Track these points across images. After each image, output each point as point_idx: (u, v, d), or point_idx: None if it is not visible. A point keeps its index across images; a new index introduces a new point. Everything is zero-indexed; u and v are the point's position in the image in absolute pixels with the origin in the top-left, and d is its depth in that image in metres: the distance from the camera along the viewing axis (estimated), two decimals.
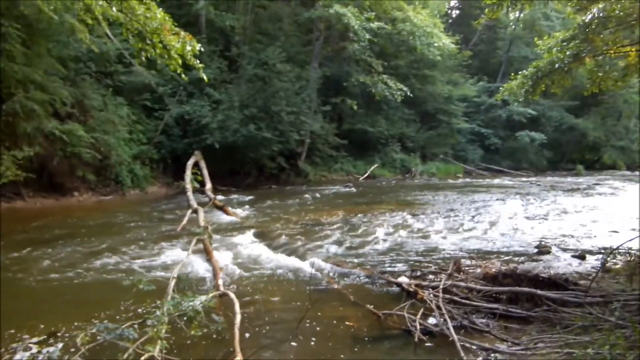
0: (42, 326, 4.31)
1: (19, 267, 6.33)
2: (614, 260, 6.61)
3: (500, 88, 11.79)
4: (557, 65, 9.37)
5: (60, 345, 3.95)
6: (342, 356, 3.92)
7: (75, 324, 4.37)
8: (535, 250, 7.54)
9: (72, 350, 3.63)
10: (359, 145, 23.53)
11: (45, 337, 4.12)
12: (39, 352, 3.83)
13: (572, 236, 8.73)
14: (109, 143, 13.08)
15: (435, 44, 23.51)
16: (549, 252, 7.40)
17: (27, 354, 3.79)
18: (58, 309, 4.84)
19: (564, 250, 7.62)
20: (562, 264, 6.75)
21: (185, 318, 3.73)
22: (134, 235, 8.30)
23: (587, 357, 3.44)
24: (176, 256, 6.73)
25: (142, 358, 3.19)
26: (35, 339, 4.06)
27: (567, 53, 9.15)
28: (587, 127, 31.23)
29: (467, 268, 5.76)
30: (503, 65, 33.09)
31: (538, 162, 30.74)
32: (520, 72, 10.52)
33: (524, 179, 23.86)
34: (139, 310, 4.56)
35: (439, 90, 26.82)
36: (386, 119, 24.99)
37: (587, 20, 9.29)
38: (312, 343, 4.12)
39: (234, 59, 18.94)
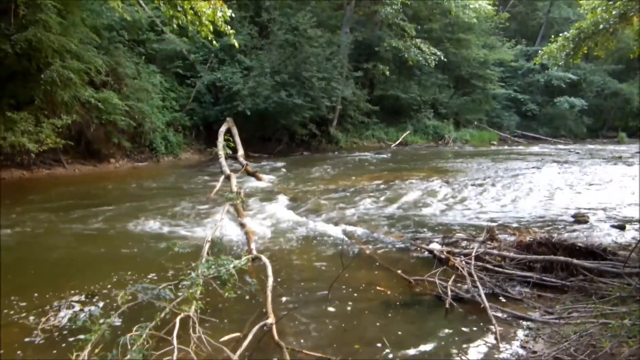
0: (84, 286, 4.49)
1: (60, 230, 6.57)
2: None
3: (539, 51, 11.37)
4: (601, 26, 8.92)
5: (100, 304, 4.12)
6: (373, 320, 3.96)
7: (115, 284, 4.54)
8: (573, 220, 7.37)
9: (112, 309, 3.77)
10: (391, 111, 23.20)
11: (86, 296, 4.29)
12: (81, 310, 4.00)
13: (612, 206, 8.48)
14: (142, 110, 13.26)
15: (471, 6, 22.73)
16: (586, 222, 7.23)
17: (70, 311, 3.96)
18: (98, 271, 5.01)
19: (603, 219, 7.42)
20: (601, 233, 6.59)
21: (219, 280, 3.81)
22: (169, 200, 8.47)
23: (624, 328, 3.37)
24: (210, 221, 6.86)
25: (178, 317, 3.29)
26: (77, 298, 4.24)
27: (613, 12, 8.69)
28: (632, 93, 29.88)
29: (500, 236, 5.68)
30: (543, 28, 31.83)
31: (577, 129, 29.75)
32: (561, 34, 10.07)
33: (561, 146, 23.23)
34: (175, 272, 4.69)
35: (474, 55, 25.94)
36: (419, 84, 24.49)
37: None
38: (344, 307, 4.17)
39: (265, 24, 18.77)
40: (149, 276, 4.74)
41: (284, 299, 4.31)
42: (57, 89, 10.67)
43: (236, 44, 10.16)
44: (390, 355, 3.38)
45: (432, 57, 21.18)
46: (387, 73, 21.29)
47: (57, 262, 5.47)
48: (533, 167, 13.82)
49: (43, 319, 3.78)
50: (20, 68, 10.58)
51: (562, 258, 4.79)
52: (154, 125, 13.83)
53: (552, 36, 10.79)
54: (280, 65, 16.96)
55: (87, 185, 10.16)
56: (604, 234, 6.54)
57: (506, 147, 23.18)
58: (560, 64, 10.94)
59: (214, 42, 9.74)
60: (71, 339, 3.47)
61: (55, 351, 3.38)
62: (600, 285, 4.43)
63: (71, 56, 11.06)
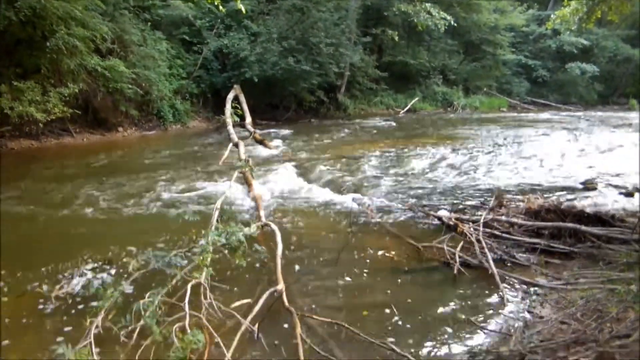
0: (96, 254, 4.56)
1: (70, 200, 6.63)
2: None
3: (552, 16, 11.09)
4: None
5: (113, 271, 4.19)
6: (381, 286, 4.01)
7: (126, 252, 4.60)
8: (581, 187, 7.34)
9: (124, 277, 3.84)
10: (400, 77, 22.92)
11: (98, 264, 4.36)
12: (94, 277, 4.07)
13: (621, 173, 8.41)
14: (149, 78, 13.16)
15: None
16: (595, 189, 7.19)
17: (83, 279, 4.03)
18: (109, 239, 5.08)
19: (612, 187, 7.37)
20: (609, 200, 6.55)
21: (229, 248, 3.85)
22: (178, 169, 8.51)
23: (630, 293, 3.39)
24: (218, 189, 6.89)
25: (190, 284, 3.35)
26: (89, 266, 4.30)
27: None
28: None
29: (509, 202, 5.68)
30: None
31: (588, 96, 29.27)
32: None
33: (572, 113, 22.94)
34: (186, 239, 4.74)
35: (484, 19, 25.29)
36: (428, 50, 24.12)
37: None
38: (352, 273, 4.21)
39: None
40: (160, 244, 4.80)
41: (293, 265, 4.37)
42: (63, 57, 10.58)
43: (243, 9, 9.99)
44: (399, 321, 3.43)
45: (442, 22, 20.70)
46: (396, 39, 20.91)
47: (69, 231, 5.53)
48: (542, 134, 13.70)
49: (57, 287, 3.85)
50: (25, 36, 10.47)
51: (570, 225, 4.79)
52: (161, 93, 13.75)
53: (565, 0, 10.51)
54: (288, 30, 16.69)
55: (96, 154, 10.19)
56: (612, 201, 6.51)
57: (516, 113, 22.91)
58: (572, 28, 10.69)
59: (220, 7, 9.57)
60: (84, 306, 3.55)
61: (69, 318, 3.45)
62: (607, 251, 4.44)
63: (76, 23, 10.91)
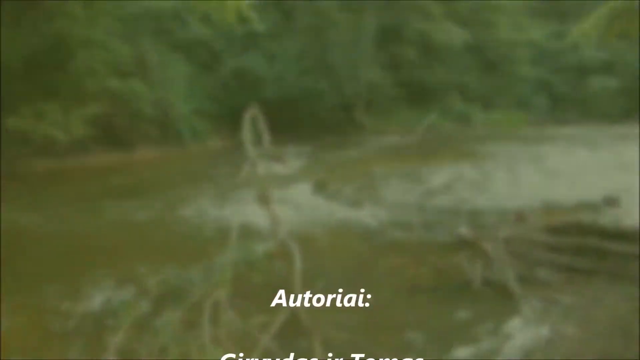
0: (116, 272, 4.60)
1: (89, 218, 6.72)
2: None
3: (572, 30, 11.00)
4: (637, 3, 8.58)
5: (132, 288, 4.22)
6: (401, 303, 3.97)
7: (146, 269, 4.63)
8: (604, 203, 7.20)
9: (144, 294, 3.87)
10: (417, 94, 22.89)
11: (118, 282, 4.40)
12: (114, 294, 4.10)
13: None
14: (168, 99, 13.39)
15: None
16: (618, 205, 7.05)
17: (103, 296, 4.07)
18: (129, 256, 5.13)
19: (635, 202, 7.22)
20: (632, 216, 6.42)
21: (247, 265, 3.86)
22: (196, 187, 8.60)
23: None
24: (237, 206, 6.92)
25: (208, 301, 3.36)
26: (109, 284, 4.34)
27: None
28: None
29: (529, 219, 5.60)
30: (575, 6, 30.82)
31: (610, 111, 28.76)
32: (594, 12, 9.72)
33: (593, 128, 22.61)
34: (204, 256, 4.77)
35: (502, 35, 25.32)
36: (445, 67, 24.06)
37: None
38: (371, 290, 4.17)
39: (289, 10, 18.67)
40: (179, 261, 4.82)
41: (311, 282, 4.35)
42: (84, 80, 10.83)
43: (260, 30, 10.16)
44: (419, 340, 3.39)
45: (459, 39, 20.75)
46: (413, 56, 20.97)
47: (89, 249, 5.60)
48: (563, 150, 13.52)
49: (77, 304, 3.89)
50: (48, 59, 10.75)
51: (592, 241, 4.70)
52: (179, 113, 13.95)
53: (586, 14, 10.43)
54: (305, 50, 16.88)
55: (116, 173, 10.35)
56: (635, 217, 6.37)
57: (536, 129, 22.67)
58: (593, 43, 10.61)
59: (239, 28, 9.76)
60: (103, 323, 3.57)
61: (89, 334, 3.48)
62: (631, 268, 4.34)
63: (97, 46, 11.19)
